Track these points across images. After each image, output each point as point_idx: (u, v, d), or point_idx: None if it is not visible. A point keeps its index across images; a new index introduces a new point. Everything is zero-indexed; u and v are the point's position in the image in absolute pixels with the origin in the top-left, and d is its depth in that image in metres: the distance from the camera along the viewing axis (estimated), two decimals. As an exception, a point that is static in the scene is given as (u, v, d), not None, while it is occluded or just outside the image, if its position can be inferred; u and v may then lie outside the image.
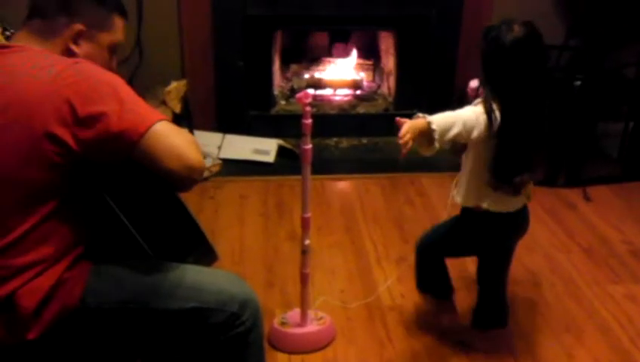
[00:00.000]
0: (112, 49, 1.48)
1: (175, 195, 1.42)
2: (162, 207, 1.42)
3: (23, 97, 1.25)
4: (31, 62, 1.31)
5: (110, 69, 1.45)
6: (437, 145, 1.70)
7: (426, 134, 1.69)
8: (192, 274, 1.43)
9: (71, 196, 1.33)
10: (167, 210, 1.43)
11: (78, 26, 1.39)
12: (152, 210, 1.41)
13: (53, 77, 1.26)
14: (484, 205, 1.87)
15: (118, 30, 1.48)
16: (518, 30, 1.73)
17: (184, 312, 1.38)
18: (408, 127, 1.66)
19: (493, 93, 1.76)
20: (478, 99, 1.81)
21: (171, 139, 1.30)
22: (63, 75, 1.27)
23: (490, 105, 1.76)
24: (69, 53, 1.40)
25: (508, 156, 1.78)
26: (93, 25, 1.42)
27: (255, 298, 1.48)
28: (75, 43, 1.40)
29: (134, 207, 1.36)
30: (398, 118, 1.70)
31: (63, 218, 1.32)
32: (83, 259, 1.37)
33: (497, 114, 1.75)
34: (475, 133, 1.75)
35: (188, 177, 1.34)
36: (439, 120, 1.71)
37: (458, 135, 1.73)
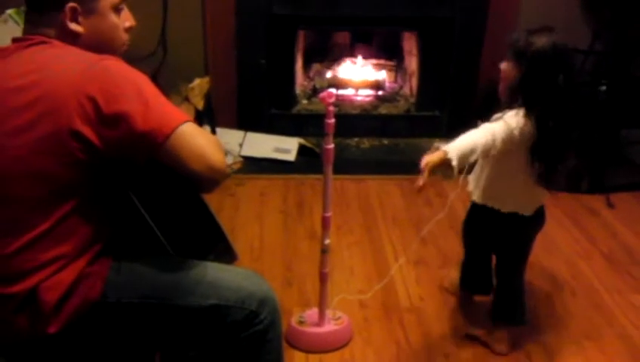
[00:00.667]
0: (117, 8, 1.42)
1: (197, 194, 1.42)
2: (184, 206, 1.43)
3: (50, 93, 1.26)
4: (60, 58, 1.32)
5: (122, 30, 1.44)
6: (456, 175, 1.71)
7: (444, 165, 1.69)
8: (212, 271, 1.44)
9: (95, 192, 1.33)
10: (190, 208, 1.43)
11: (70, 5, 1.35)
12: (174, 208, 1.42)
13: (79, 73, 1.26)
14: (513, 208, 1.90)
15: None
16: (543, 41, 1.74)
17: (203, 309, 1.39)
18: (426, 174, 1.66)
19: (526, 102, 1.77)
20: (498, 115, 1.81)
21: (196, 141, 1.29)
22: (89, 72, 1.27)
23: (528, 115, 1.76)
24: (72, 34, 1.37)
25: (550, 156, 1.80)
26: None
27: (274, 296, 1.48)
28: (75, 22, 1.37)
29: (157, 204, 1.36)
30: (421, 162, 1.68)
31: (86, 214, 1.33)
32: (104, 254, 1.37)
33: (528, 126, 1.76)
34: (492, 153, 1.76)
35: (211, 179, 1.34)
36: (458, 151, 1.69)
37: (476, 159, 1.78)
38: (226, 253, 1.49)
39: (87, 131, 1.24)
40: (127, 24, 1.47)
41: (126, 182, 1.35)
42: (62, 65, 1.29)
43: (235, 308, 1.41)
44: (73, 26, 1.37)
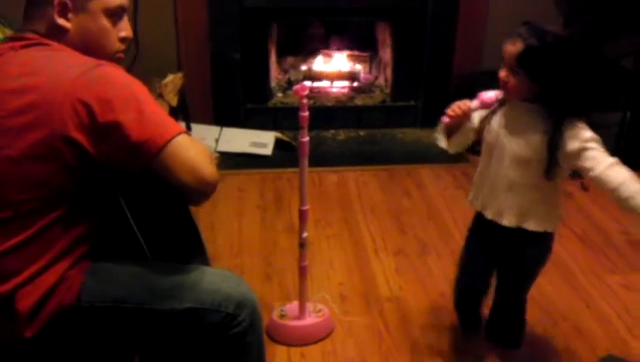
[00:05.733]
0: (111, 14, 1.39)
1: (186, 206, 1.41)
2: (171, 215, 1.41)
3: (45, 97, 1.24)
4: (57, 62, 1.30)
5: (114, 37, 1.41)
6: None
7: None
8: (188, 273, 1.41)
9: (85, 199, 1.31)
10: (175, 218, 1.41)
11: None
12: (160, 216, 1.40)
13: (75, 78, 1.24)
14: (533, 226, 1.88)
15: None
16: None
17: (178, 312, 1.36)
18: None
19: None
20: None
21: (189, 153, 1.28)
22: (85, 77, 1.25)
23: None
24: (58, 29, 1.35)
25: None
26: None
27: (253, 297, 1.45)
28: (63, 17, 1.35)
29: (144, 210, 1.35)
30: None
31: (75, 220, 1.31)
32: (85, 257, 1.35)
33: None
34: None
35: (200, 191, 1.33)
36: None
37: None
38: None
39: (81, 138, 1.23)
40: (123, 34, 1.44)
41: (116, 185, 1.33)
42: (58, 69, 1.27)
43: (211, 311, 1.37)
44: (61, 21, 1.35)
